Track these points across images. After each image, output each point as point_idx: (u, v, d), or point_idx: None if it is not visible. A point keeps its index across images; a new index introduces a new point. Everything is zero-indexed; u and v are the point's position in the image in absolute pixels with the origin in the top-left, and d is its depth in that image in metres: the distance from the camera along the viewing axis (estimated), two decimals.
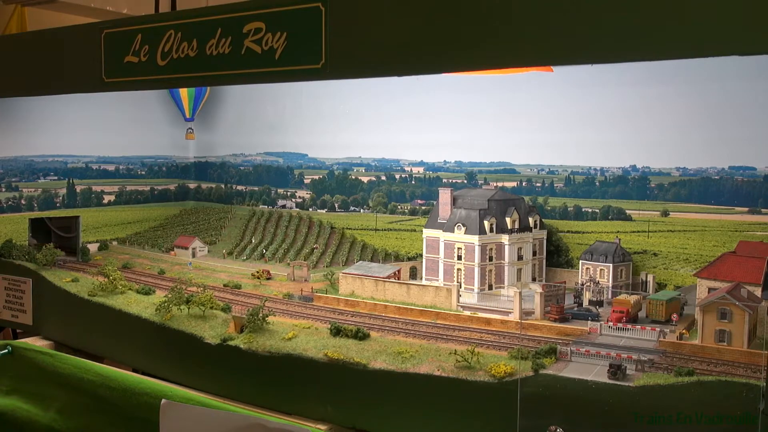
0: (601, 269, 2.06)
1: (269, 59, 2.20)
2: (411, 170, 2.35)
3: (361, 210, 2.49)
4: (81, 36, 2.77)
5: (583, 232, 2.08)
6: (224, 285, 2.72)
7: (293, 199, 2.68)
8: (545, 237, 2.17)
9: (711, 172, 1.82)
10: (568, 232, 2.12)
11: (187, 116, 2.92)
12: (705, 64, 1.64)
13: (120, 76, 2.62)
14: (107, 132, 3.10)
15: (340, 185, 2.52)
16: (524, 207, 2.19)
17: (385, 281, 2.38)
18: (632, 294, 2.02)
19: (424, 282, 2.33)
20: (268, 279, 2.66)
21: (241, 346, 2.43)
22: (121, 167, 3.15)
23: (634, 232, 2.00)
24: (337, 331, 2.31)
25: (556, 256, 2.16)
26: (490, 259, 2.24)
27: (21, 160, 3.23)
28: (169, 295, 2.71)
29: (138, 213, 3.15)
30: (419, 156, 2.31)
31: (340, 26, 2.07)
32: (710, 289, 1.84)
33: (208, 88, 2.83)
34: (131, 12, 4.52)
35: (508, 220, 2.22)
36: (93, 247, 3.14)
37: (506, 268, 2.23)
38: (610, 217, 2.02)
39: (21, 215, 3.22)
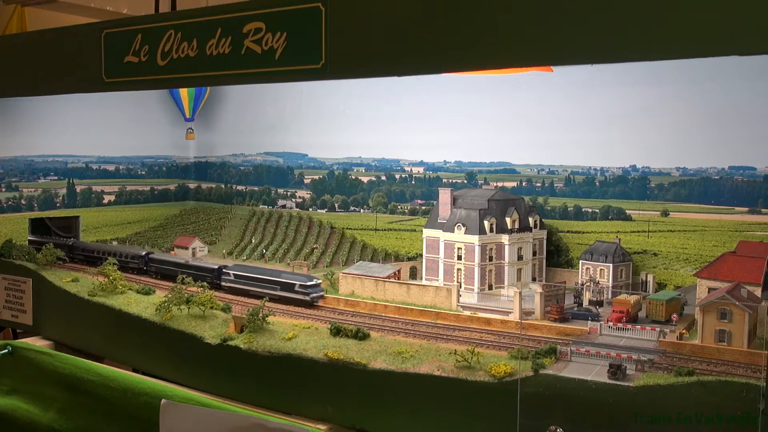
0: (601, 269, 2.06)
1: (269, 59, 2.20)
2: (411, 170, 2.35)
3: (361, 210, 2.49)
4: (81, 36, 2.77)
5: (583, 232, 2.08)
6: None
7: (293, 199, 2.68)
8: (545, 237, 2.17)
9: (711, 172, 1.82)
10: (568, 232, 2.12)
11: (187, 116, 2.92)
12: (705, 64, 1.64)
13: (120, 76, 2.61)
14: (107, 132, 3.10)
15: (340, 185, 2.52)
16: (524, 207, 2.19)
17: (385, 281, 2.37)
18: (632, 294, 2.02)
19: (424, 282, 2.33)
20: None
21: (241, 346, 2.43)
22: (121, 167, 3.15)
23: (634, 232, 2.00)
24: (337, 331, 2.31)
25: (556, 256, 2.16)
26: (490, 259, 2.24)
27: (21, 160, 3.23)
28: (169, 295, 2.71)
29: (138, 213, 3.15)
30: (419, 156, 2.31)
31: (340, 26, 2.07)
32: (710, 289, 1.84)
33: (208, 88, 2.83)
34: (131, 12, 4.51)
35: (508, 220, 2.22)
36: None
37: (506, 268, 2.23)
38: (610, 217, 2.02)
39: (21, 215, 3.22)
